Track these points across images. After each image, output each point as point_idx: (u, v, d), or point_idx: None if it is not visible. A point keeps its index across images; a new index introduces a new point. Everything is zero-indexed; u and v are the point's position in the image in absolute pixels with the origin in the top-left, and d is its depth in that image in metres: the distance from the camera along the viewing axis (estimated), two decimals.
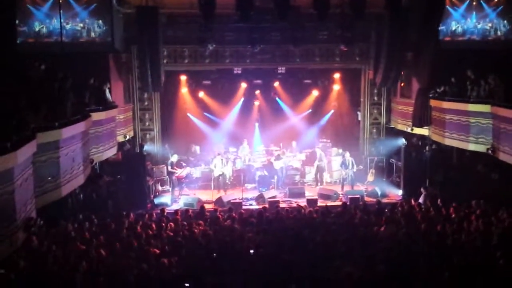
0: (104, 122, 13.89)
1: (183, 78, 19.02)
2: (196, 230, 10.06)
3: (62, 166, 10.63)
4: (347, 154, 16.93)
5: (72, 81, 12.33)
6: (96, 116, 13.16)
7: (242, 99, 20.04)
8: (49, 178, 10.29)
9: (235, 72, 18.23)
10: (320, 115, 20.63)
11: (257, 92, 20.25)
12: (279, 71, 18.44)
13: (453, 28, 15.77)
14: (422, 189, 14.30)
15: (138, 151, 17.08)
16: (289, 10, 14.12)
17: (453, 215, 11.21)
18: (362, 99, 19.04)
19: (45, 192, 10.21)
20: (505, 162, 12.50)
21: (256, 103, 20.49)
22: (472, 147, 13.76)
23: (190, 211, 12.52)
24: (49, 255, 8.31)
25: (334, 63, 18.10)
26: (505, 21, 15.62)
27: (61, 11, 13.54)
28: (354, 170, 16.67)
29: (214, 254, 8.89)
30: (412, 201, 13.35)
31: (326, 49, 17.56)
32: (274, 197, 15.64)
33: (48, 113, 10.83)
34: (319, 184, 17.47)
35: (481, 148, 13.40)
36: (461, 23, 15.74)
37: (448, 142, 14.71)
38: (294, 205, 14.10)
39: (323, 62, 17.95)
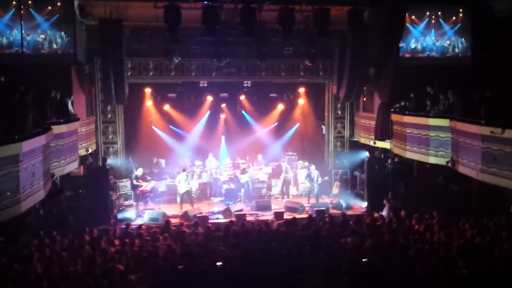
0: (65, 135, 13.53)
1: (147, 90, 18.82)
2: (161, 245, 9.91)
3: (21, 181, 10.25)
4: (313, 167, 17.13)
5: (33, 93, 12.00)
6: (57, 129, 12.81)
7: (208, 112, 20.02)
8: (8, 194, 9.92)
9: (201, 85, 18.21)
10: (285, 128, 20.83)
11: (223, 105, 20.29)
12: (245, 85, 18.54)
13: (413, 45, 16.26)
14: (385, 201, 14.61)
15: (100, 164, 16.72)
16: (255, 25, 14.26)
17: (416, 226, 11.49)
18: (326, 113, 19.36)
19: (3, 208, 9.80)
20: (464, 174, 12.92)
21: (222, 116, 20.52)
22: (432, 160, 14.17)
23: (155, 225, 12.32)
24: (8, 274, 7.99)
25: (299, 77, 18.37)
26: (463, 39, 16.22)
27: (22, 22, 13.19)
28: (319, 182, 16.86)
29: (181, 268, 8.76)
30: (376, 213, 13.63)
31: (291, 64, 17.82)
32: (240, 210, 15.60)
33: (8, 125, 10.48)
34: (285, 197, 17.57)
35: (441, 161, 13.82)
36: (421, 40, 16.24)
37: (409, 155, 15.10)
38: (261, 218, 14.11)
39: (288, 77, 18.19)
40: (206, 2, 13.83)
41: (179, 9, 13.79)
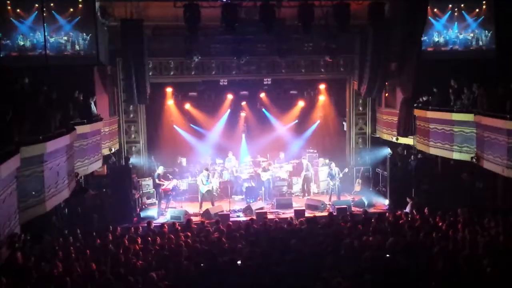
0: (89, 135, 13.76)
1: (169, 90, 18.97)
2: (183, 243, 9.99)
3: (46, 181, 10.46)
4: (333, 164, 17.01)
5: (57, 94, 12.23)
6: (81, 129, 13.04)
7: (229, 110, 20.06)
8: (33, 193, 10.13)
9: (221, 83, 18.25)
10: (306, 125, 20.73)
11: (244, 103, 20.30)
12: (265, 82, 18.49)
13: (436, 39, 16.02)
14: (408, 199, 14.41)
15: (123, 164, 16.93)
16: (274, 22, 14.22)
17: (439, 224, 11.29)
18: (347, 109, 19.20)
19: (29, 207, 10.02)
20: (489, 170, 12.64)
21: (243, 114, 20.53)
22: (456, 156, 13.91)
23: (177, 224, 12.42)
24: (34, 271, 8.16)
25: (319, 74, 18.23)
26: (486, 31, 15.91)
27: (45, 24, 13.42)
28: (341, 175, 16.69)
29: (202, 266, 8.81)
30: (399, 210, 13.45)
31: (311, 60, 17.68)
32: (261, 208, 15.61)
33: (33, 127, 10.70)
34: (306, 194, 17.50)
35: (465, 157, 13.56)
36: (443, 34, 15.99)
37: (432, 151, 14.86)
38: (282, 216, 14.07)
39: (309, 73, 18.07)
40: (225, 0, 13.85)
41: (198, 8, 13.87)
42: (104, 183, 15.40)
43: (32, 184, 10.11)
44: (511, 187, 12.66)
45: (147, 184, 16.71)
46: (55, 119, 11.55)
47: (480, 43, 15.99)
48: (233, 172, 18.22)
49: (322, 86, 19.92)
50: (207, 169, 16.62)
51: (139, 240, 10.51)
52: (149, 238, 10.62)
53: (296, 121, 20.81)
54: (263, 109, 20.48)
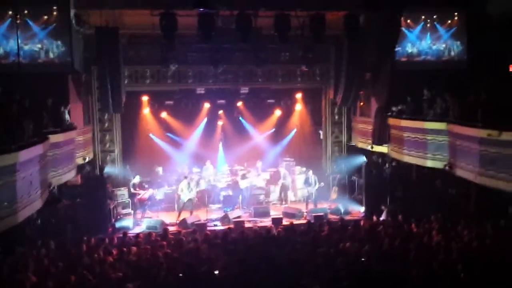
0: (62, 144, 13.50)
1: (145, 98, 18.79)
2: (160, 253, 9.87)
3: (18, 191, 10.21)
4: (310, 172, 17.11)
5: (30, 103, 12.00)
6: (54, 138, 12.79)
7: (206, 119, 19.99)
8: (5, 203, 9.88)
9: (198, 92, 18.20)
10: (283, 134, 20.82)
11: (220, 112, 20.27)
12: (242, 91, 18.55)
13: (409, 49, 16.34)
14: (383, 206, 14.59)
15: (98, 173, 16.67)
16: (251, 32, 14.28)
17: (414, 230, 11.46)
18: (323, 118, 19.39)
19: (1, 218, 9.77)
20: (461, 177, 12.90)
21: (220, 123, 20.49)
22: (430, 163, 14.15)
23: (154, 234, 12.28)
24: (6, 284, 7.94)
25: (295, 83, 18.40)
26: (458, 42, 16.32)
27: (18, 32, 13.20)
28: (317, 188, 16.82)
29: (179, 276, 8.73)
30: (374, 217, 13.61)
31: (288, 70, 17.84)
32: (239, 217, 15.57)
33: (5, 135, 10.46)
34: (283, 203, 17.54)
35: (438, 165, 13.80)
36: (417, 44, 16.33)
37: (407, 159, 15.10)
38: (260, 224, 14.07)
39: (285, 82, 18.21)
40: (202, 9, 13.86)
41: (175, 16, 13.81)
42: (78, 193, 15.09)
43: (4, 194, 9.85)
44: (483, 194, 12.93)
45: (122, 193, 16.45)
46: (28, 127, 11.32)
47: (452, 53, 16.39)
48: (210, 181, 18.14)
49: (298, 95, 20.08)
50: (186, 177, 16.52)
51: (115, 251, 10.35)
52: (125, 249, 10.46)
53: (273, 129, 20.88)
54: (240, 118, 20.50)
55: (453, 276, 8.17)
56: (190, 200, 16.05)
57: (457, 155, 12.98)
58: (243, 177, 17.26)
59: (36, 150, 11.17)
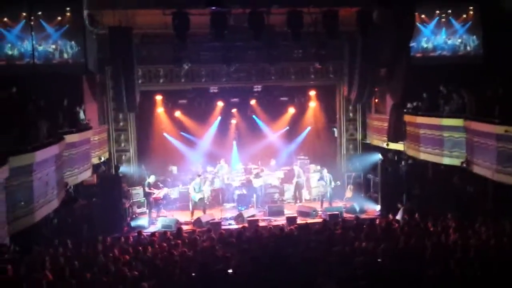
0: (78, 144, 13.64)
1: (158, 98, 18.90)
2: (174, 252, 9.89)
3: (35, 191, 10.35)
4: (325, 171, 17.01)
5: (45, 103, 12.12)
6: (70, 138, 12.92)
7: (219, 117, 20.00)
8: (22, 203, 10.00)
9: (211, 91, 18.22)
10: (297, 132, 20.73)
11: (234, 110, 20.26)
12: (255, 89, 18.52)
13: (424, 45, 16.16)
14: (399, 204, 14.43)
15: (113, 173, 16.79)
16: (264, 29, 14.23)
17: (431, 229, 11.31)
18: (337, 116, 19.26)
19: (18, 217, 9.90)
20: (479, 174, 12.71)
21: (233, 121, 20.49)
22: (446, 161, 13.97)
23: (168, 233, 12.31)
24: (24, 283, 8.02)
25: (309, 80, 18.31)
26: (474, 36, 16.09)
27: (32, 33, 13.36)
28: (332, 186, 16.73)
29: (194, 275, 8.73)
30: (390, 216, 13.47)
31: (301, 67, 17.77)
32: (253, 216, 15.54)
33: (21, 136, 10.58)
34: (298, 201, 17.46)
35: (455, 162, 13.61)
36: (432, 40, 16.14)
37: (423, 156, 14.91)
38: (274, 223, 14.02)
39: (299, 80, 18.14)
40: (214, 8, 13.85)
41: (187, 15, 13.83)
42: (94, 193, 15.23)
43: (21, 195, 9.99)
44: (501, 191, 12.70)
45: (137, 193, 16.55)
46: (43, 128, 11.44)
47: (468, 48, 16.16)
48: (224, 180, 18.14)
49: (312, 93, 19.98)
50: (199, 176, 16.54)
51: (130, 250, 10.39)
52: (140, 248, 10.50)
53: (287, 127, 20.80)
54: (254, 116, 20.46)
55: (470, 274, 8.03)
56: (201, 199, 16.06)
57: (474, 152, 12.78)
58: (257, 176, 17.24)
59: (52, 150, 11.30)
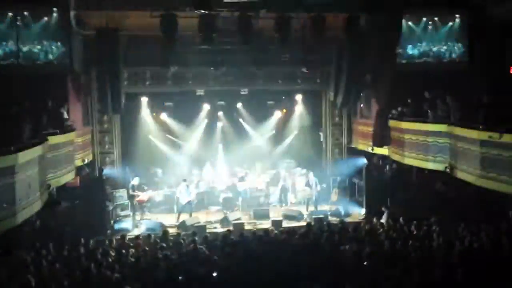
0: (61, 146, 13.45)
1: (144, 100, 18.76)
2: (159, 255, 9.81)
3: (17, 192, 10.17)
4: (311, 174, 17.05)
5: (29, 104, 11.96)
6: (53, 139, 12.74)
7: (205, 120, 19.95)
8: (4, 205, 9.83)
9: (197, 94, 18.15)
10: (283, 136, 20.78)
11: (220, 113, 20.22)
12: (242, 93, 18.50)
13: (410, 51, 16.32)
14: (383, 208, 14.52)
15: (97, 175, 16.61)
16: (252, 33, 14.25)
17: (415, 233, 11.41)
18: (323, 120, 19.34)
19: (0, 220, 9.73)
20: (462, 180, 12.84)
21: (219, 124, 20.43)
22: (430, 166, 14.10)
23: (153, 235, 12.21)
24: (5, 286, 7.88)
25: (296, 85, 18.36)
26: (459, 44, 16.29)
27: (18, 33, 13.18)
28: (318, 189, 16.77)
29: (179, 279, 8.66)
30: (375, 219, 13.54)
31: (288, 71, 17.80)
32: (238, 219, 15.50)
33: (3, 137, 10.42)
34: (283, 205, 17.47)
35: (439, 167, 13.74)
36: (417, 46, 16.31)
37: (407, 161, 15.04)
38: (259, 226, 14.01)
39: (286, 84, 18.18)
40: (202, 11, 13.82)
41: (175, 18, 13.78)
42: (77, 195, 15.04)
43: (3, 196, 9.81)
44: (484, 196, 12.87)
45: (121, 195, 16.37)
46: (26, 129, 11.28)
47: (453, 55, 16.37)
48: (209, 183, 18.07)
49: (298, 97, 20.04)
50: (184, 180, 16.44)
51: (113, 253, 10.28)
52: (124, 251, 10.39)
53: (273, 131, 20.84)
54: (240, 120, 20.44)
55: (453, 279, 8.11)
56: (189, 202, 15.97)
57: (458, 157, 12.92)
58: (241, 179, 17.20)
59: (35, 152, 11.12)
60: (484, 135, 11.47)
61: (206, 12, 13.81)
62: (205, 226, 14.75)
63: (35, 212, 11.68)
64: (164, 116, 19.51)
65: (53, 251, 10.62)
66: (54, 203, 13.69)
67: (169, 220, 15.65)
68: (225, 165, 19.56)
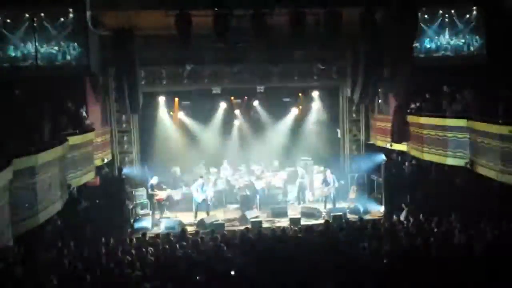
0: (81, 146, 13.64)
1: (161, 99, 18.88)
2: (178, 254, 9.87)
3: (39, 193, 10.37)
4: (328, 172, 16.96)
5: (48, 105, 12.13)
6: (73, 140, 12.92)
7: (222, 118, 19.98)
8: (26, 205, 10.01)
9: (214, 92, 18.19)
10: (300, 133, 20.69)
11: (237, 111, 20.24)
12: (258, 90, 18.46)
13: (427, 45, 16.12)
14: (403, 205, 14.38)
15: (116, 174, 16.79)
16: (266, 30, 14.21)
17: (435, 230, 11.26)
18: (341, 116, 19.21)
19: (22, 219, 9.91)
20: (483, 175, 12.64)
21: (236, 122, 20.46)
22: (450, 161, 13.90)
23: (172, 234, 12.29)
24: (27, 285, 8.02)
25: (312, 81, 18.24)
26: (477, 37, 16.03)
27: (35, 34, 13.38)
28: (336, 186, 16.68)
29: (197, 278, 8.71)
30: (394, 217, 13.42)
31: (304, 68, 17.70)
32: (256, 217, 15.52)
33: (24, 138, 10.59)
34: (301, 202, 17.42)
35: (459, 162, 13.55)
36: (435, 40, 16.09)
37: (427, 157, 14.85)
38: (277, 224, 14.00)
39: (302, 81, 18.07)
40: (216, 9, 13.84)
41: (190, 16, 13.83)
42: (97, 194, 15.23)
43: (25, 197, 10.00)
44: (505, 192, 12.64)
45: (141, 194, 16.56)
46: (46, 130, 11.45)
47: (471, 48, 16.12)
48: (227, 181, 18.12)
49: (315, 94, 19.93)
50: (201, 177, 16.52)
51: (133, 251, 10.38)
52: (143, 249, 10.48)
53: (290, 128, 20.77)
54: (257, 117, 20.42)
55: (475, 275, 7.99)
56: (204, 200, 16.04)
57: (478, 152, 12.73)
58: (258, 177, 17.21)
59: (55, 153, 11.28)
60: (504, 130, 11.28)
61: (220, 10, 13.81)
62: (223, 224, 14.81)
63: (56, 212, 11.86)
64: (181, 114, 19.58)
65: (74, 250, 10.75)
66: (74, 202, 13.90)
67: (188, 219, 15.74)
68: (243, 163, 19.58)
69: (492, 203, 13.56)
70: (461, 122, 13.31)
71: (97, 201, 15.05)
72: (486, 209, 13.00)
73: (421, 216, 12.51)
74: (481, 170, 12.61)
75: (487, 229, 10.72)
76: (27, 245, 9.94)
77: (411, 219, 12.61)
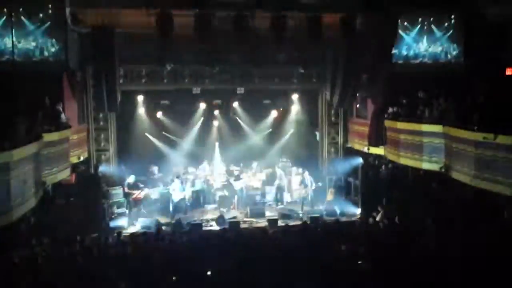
0: (57, 143, 13.41)
1: (140, 98, 18.71)
2: (154, 253, 9.81)
3: (13, 189, 10.17)
4: (306, 173, 17.08)
5: (24, 101, 11.91)
6: (48, 137, 12.70)
7: (201, 119, 19.92)
8: None
9: (193, 92, 18.11)
10: (279, 135, 20.79)
11: (216, 112, 20.21)
12: (238, 92, 18.45)
13: (406, 52, 16.35)
14: (379, 207, 14.57)
15: (92, 172, 16.57)
16: (248, 32, 14.25)
17: (410, 233, 11.44)
18: (320, 120, 19.36)
19: None
20: (457, 180, 12.89)
21: (216, 123, 20.42)
22: (426, 166, 14.14)
23: (148, 233, 12.21)
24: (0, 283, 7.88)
25: (292, 84, 18.34)
26: (455, 45, 16.34)
27: (13, 29, 13.12)
28: (313, 188, 16.79)
29: (173, 278, 8.67)
30: (370, 219, 13.58)
31: (284, 71, 17.79)
32: (234, 217, 15.52)
33: None
34: (279, 204, 17.49)
35: (434, 167, 13.80)
36: (413, 47, 16.35)
37: (403, 161, 15.08)
38: (255, 225, 14.03)
39: (282, 84, 18.15)
40: (198, 10, 13.81)
41: (171, 16, 13.76)
42: (72, 192, 14.99)
43: None
44: (479, 196, 12.92)
45: (117, 193, 16.34)
46: (22, 126, 11.24)
47: (449, 56, 16.41)
48: (205, 181, 18.08)
49: (295, 96, 20.04)
50: (178, 177, 16.44)
51: (109, 250, 10.28)
52: (119, 248, 10.39)
53: (269, 130, 20.85)
54: (236, 118, 20.43)
55: (448, 279, 8.15)
56: (182, 200, 15.97)
57: (453, 157, 12.98)
58: (237, 178, 17.23)
59: (30, 149, 11.09)
60: (479, 136, 11.53)
61: (202, 10, 13.79)
62: (201, 224, 14.76)
63: (30, 209, 11.66)
64: (160, 114, 19.45)
65: (49, 248, 10.59)
66: (49, 200, 13.67)
67: (165, 218, 15.65)
68: (221, 164, 19.56)
69: (465, 208, 13.85)
70: (437, 128, 13.56)
71: (72, 199, 14.82)
72: (460, 213, 13.28)
73: (396, 218, 12.68)
74: (456, 175, 12.87)
75: (460, 233, 10.95)
76: (0, 243, 9.77)
77: (386, 221, 12.79)
